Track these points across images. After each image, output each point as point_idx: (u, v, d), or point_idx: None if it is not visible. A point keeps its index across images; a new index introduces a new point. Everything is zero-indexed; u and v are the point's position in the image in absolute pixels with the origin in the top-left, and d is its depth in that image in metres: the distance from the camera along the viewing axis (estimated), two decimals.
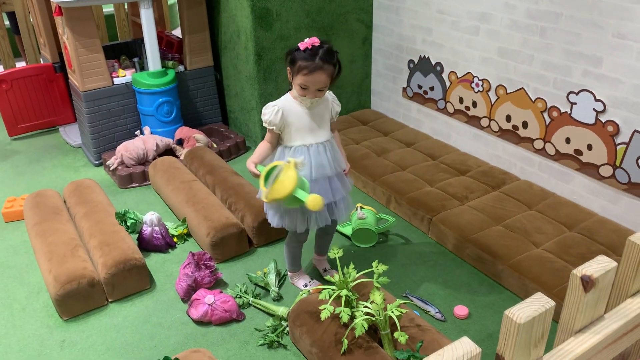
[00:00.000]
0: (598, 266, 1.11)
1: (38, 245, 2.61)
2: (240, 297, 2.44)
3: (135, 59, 3.72)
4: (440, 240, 2.80)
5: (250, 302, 2.43)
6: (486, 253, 2.55)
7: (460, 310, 2.34)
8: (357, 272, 2.03)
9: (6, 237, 2.97)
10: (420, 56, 3.59)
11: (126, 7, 5.11)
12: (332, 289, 2.01)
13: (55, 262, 2.44)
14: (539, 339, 1.06)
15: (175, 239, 2.85)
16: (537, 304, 1.03)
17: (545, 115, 2.90)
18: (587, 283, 1.09)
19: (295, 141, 2.15)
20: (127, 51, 4.26)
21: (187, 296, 2.44)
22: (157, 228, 2.76)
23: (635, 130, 2.51)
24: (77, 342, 2.27)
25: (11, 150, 3.96)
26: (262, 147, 2.20)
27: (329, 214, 2.23)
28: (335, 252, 2.06)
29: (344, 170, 2.28)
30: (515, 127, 3.09)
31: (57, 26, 3.52)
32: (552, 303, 1.03)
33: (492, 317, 2.33)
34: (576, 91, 2.71)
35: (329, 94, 2.22)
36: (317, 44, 2.02)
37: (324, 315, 1.92)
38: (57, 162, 3.78)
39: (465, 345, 0.94)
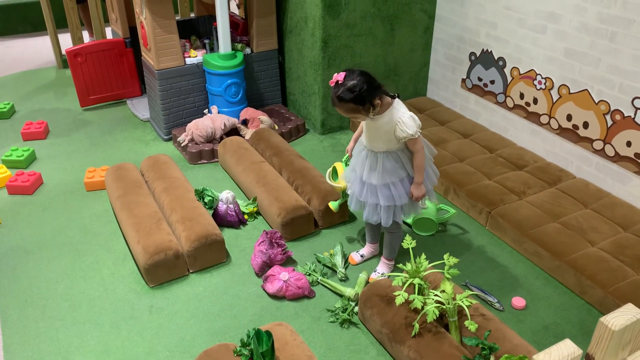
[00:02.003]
0: None
1: (124, 217, 2.84)
2: (310, 275, 2.63)
3: (206, 40, 3.87)
4: (498, 233, 2.93)
5: (319, 280, 2.62)
6: (543, 248, 2.68)
7: (518, 301, 2.49)
8: (429, 262, 2.20)
9: (89, 205, 3.20)
10: (483, 49, 3.67)
11: None
12: (405, 277, 2.18)
13: (142, 233, 2.66)
14: (627, 343, 1.21)
15: (246, 216, 3.05)
16: (629, 314, 1.17)
17: (608, 117, 2.97)
18: None
19: (362, 138, 2.42)
20: (190, 29, 4.41)
21: (262, 271, 2.65)
22: (231, 206, 2.96)
23: None
24: (164, 307, 2.49)
25: (84, 121, 4.19)
26: (357, 132, 2.52)
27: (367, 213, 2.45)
28: (408, 243, 2.22)
29: (411, 194, 2.37)
30: (575, 127, 3.18)
31: (134, 5, 3.68)
32: None
33: (547, 310, 2.47)
34: None
35: (398, 119, 2.21)
36: (339, 81, 2.15)
37: (399, 300, 2.09)
38: (128, 134, 4.00)
39: (569, 347, 1.10)
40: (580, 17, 2.97)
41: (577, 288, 2.55)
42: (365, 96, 2.14)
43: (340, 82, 2.17)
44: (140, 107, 4.31)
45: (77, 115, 4.28)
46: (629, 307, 1.21)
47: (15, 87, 4.78)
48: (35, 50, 5.59)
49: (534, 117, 3.43)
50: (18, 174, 3.33)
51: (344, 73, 2.18)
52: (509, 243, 2.87)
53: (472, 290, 2.56)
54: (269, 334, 1.98)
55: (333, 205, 2.85)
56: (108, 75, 4.28)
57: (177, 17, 4.66)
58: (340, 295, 2.54)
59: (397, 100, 2.28)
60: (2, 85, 4.82)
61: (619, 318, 1.17)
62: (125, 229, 2.79)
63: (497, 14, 3.48)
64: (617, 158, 2.98)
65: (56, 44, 5.06)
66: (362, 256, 2.76)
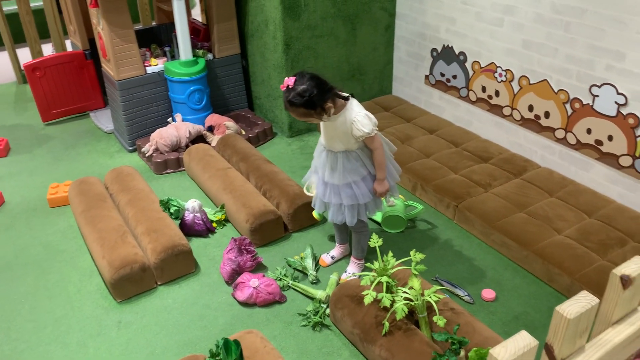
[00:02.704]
0: (635, 266, 1.26)
1: (88, 232, 2.78)
2: (281, 280, 2.61)
3: (167, 48, 3.83)
4: (466, 226, 2.95)
5: (290, 285, 2.60)
6: (511, 239, 2.71)
7: (488, 293, 2.51)
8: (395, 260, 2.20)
9: (53, 222, 3.13)
10: (444, 45, 3.69)
11: None
12: (373, 276, 2.17)
13: (107, 248, 2.61)
14: (583, 331, 1.21)
15: (214, 224, 3.01)
16: (584, 301, 1.18)
17: (568, 106, 3.02)
18: (626, 281, 1.24)
19: (321, 139, 2.42)
20: (152, 37, 4.35)
21: (232, 279, 2.62)
22: (198, 214, 2.92)
23: None
24: (132, 322, 2.45)
25: (46, 136, 4.10)
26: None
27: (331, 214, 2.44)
28: (375, 241, 2.22)
29: (375, 190, 2.36)
30: (537, 117, 3.22)
31: (91, 17, 3.62)
32: (597, 300, 1.18)
33: (517, 300, 2.49)
34: (599, 84, 2.82)
35: (353, 119, 2.20)
36: (290, 85, 2.13)
37: (367, 300, 2.08)
38: (92, 147, 3.93)
39: (525, 338, 1.10)
40: (535, 9, 3.01)
41: (546, 276, 2.58)
42: (315, 101, 2.12)
43: (290, 86, 2.14)
44: (103, 119, 4.24)
45: (39, 130, 4.19)
46: (584, 294, 1.21)
47: None
48: None
49: (496, 110, 3.46)
50: None
51: (294, 77, 2.16)
52: (478, 235, 2.89)
53: (442, 285, 2.57)
54: (237, 343, 1.95)
55: (315, 214, 2.89)
56: (69, 88, 4.20)
57: (139, 26, 4.60)
58: (312, 298, 2.53)
59: (351, 100, 2.26)
60: None
61: (574, 306, 1.18)
62: (90, 244, 2.74)
63: (455, 8, 3.50)
64: (579, 145, 3.03)
65: (14, 59, 4.94)
66: (332, 257, 2.75)
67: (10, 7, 5.41)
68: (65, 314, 2.50)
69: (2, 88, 4.98)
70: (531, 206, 2.92)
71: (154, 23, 4.67)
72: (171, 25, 4.16)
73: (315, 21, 3.66)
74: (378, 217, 2.98)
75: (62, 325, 2.44)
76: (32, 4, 4.87)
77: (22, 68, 4.58)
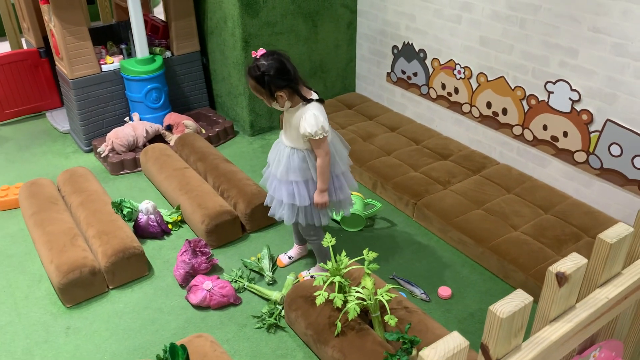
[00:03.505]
0: (571, 263, 1.25)
1: (37, 235, 2.69)
2: (236, 281, 2.57)
3: (123, 46, 3.74)
4: (424, 223, 2.94)
5: (245, 286, 2.55)
6: (468, 236, 2.70)
7: (444, 290, 2.50)
8: (348, 258, 2.17)
9: (3, 225, 3.03)
10: (404, 42, 3.68)
11: None
12: (326, 276, 2.14)
13: (55, 251, 2.53)
14: (518, 329, 1.20)
15: (170, 226, 2.95)
16: (517, 300, 1.16)
17: (524, 102, 3.03)
18: (561, 279, 1.23)
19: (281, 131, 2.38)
20: (111, 35, 4.25)
21: (186, 282, 2.56)
22: (152, 216, 2.86)
23: (608, 119, 2.66)
24: (81, 328, 2.37)
25: (0, 137, 3.98)
26: None
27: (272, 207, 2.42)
28: (328, 241, 2.19)
29: (317, 197, 2.28)
30: (495, 114, 3.23)
31: (43, 13, 3.51)
32: (531, 299, 1.17)
33: (473, 297, 2.49)
34: (553, 81, 2.84)
35: (305, 114, 2.16)
36: (256, 56, 2.14)
37: (319, 300, 2.05)
38: (47, 148, 3.82)
39: (455, 339, 1.08)
40: (491, 5, 3.02)
41: (501, 273, 2.58)
42: (266, 80, 2.10)
43: (256, 57, 2.14)
44: (60, 118, 4.13)
45: None
46: (518, 292, 1.20)
47: None
48: None
49: (456, 107, 3.47)
50: None
51: (264, 51, 2.14)
52: (436, 233, 2.89)
53: (398, 283, 2.56)
54: (183, 347, 1.91)
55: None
56: (23, 87, 4.07)
57: (99, 24, 4.48)
58: (268, 300, 2.49)
59: (315, 103, 2.19)
60: None
61: (507, 305, 1.16)
62: (39, 247, 2.65)
63: (415, 5, 3.49)
64: (536, 142, 3.04)
65: None
66: (289, 257, 2.72)
67: None
68: (11, 321, 2.41)
69: None
70: (489, 203, 2.93)
71: (113, 21, 4.56)
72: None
73: (274, 18, 3.61)
74: (337, 216, 2.95)
75: (7, 332, 2.36)
76: None
77: None
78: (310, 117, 2.14)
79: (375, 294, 2.11)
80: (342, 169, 2.35)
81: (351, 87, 4.28)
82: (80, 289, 2.46)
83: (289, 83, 2.14)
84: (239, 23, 3.50)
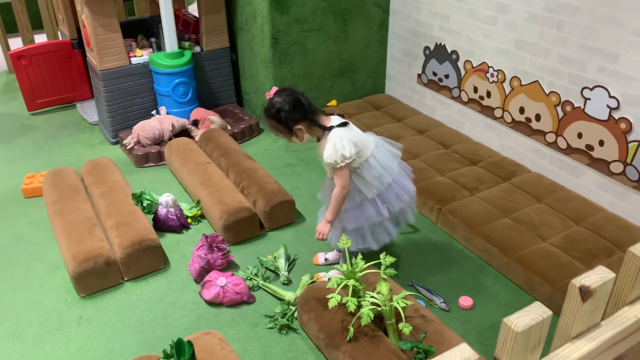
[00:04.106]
0: (596, 277, 1.15)
1: (56, 223, 2.70)
2: (251, 279, 2.52)
3: (153, 39, 3.75)
4: (449, 230, 2.84)
5: (259, 285, 2.50)
6: (493, 245, 2.59)
7: (465, 300, 2.40)
8: (365, 262, 2.09)
9: (26, 212, 3.06)
10: (437, 43, 3.58)
11: None
12: (340, 278, 2.07)
13: (73, 240, 2.53)
14: (535, 345, 1.11)
15: (189, 220, 2.92)
16: (534, 313, 1.07)
17: (559, 109, 2.90)
18: (585, 293, 1.13)
19: None
20: (144, 29, 4.28)
21: (200, 277, 2.52)
22: (172, 209, 2.84)
23: None
24: (94, 318, 2.36)
25: (30, 126, 4.04)
26: None
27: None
28: (344, 243, 2.12)
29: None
30: (528, 119, 3.10)
31: (75, 4, 3.55)
32: (550, 313, 1.08)
33: (495, 309, 2.38)
34: (590, 87, 2.70)
35: (327, 144, 2.18)
36: (270, 96, 2.19)
37: (332, 304, 1.98)
38: (75, 138, 3.85)
39: (464, 352, 0.99)
40: (528, 7, 2.90)
41: (526, 285, 2.46)
42: (282, 117, 2.14)
43: (269, 97, 2.20)
44: (90, 110, 4.17)
45: (23, 120, 4.12)
46: (536, 305, 1.11)
47: None
48: None
49: (488, 111, 3.35)
50: None
51: (276, 89, 2.20)
52: (460, 241, 2.78)
53: (418, 291, 2.47)
54: (190, 344, 1.86)
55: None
56: (56, 78, 4.13)
57: (134, 17, 4.53)
58: (282, 300, 2.43)
59: (336, 130, 2.18)
60: None
61: (523, 318, 1.07)
62: (58, 236, 2.66)
63: (449, 5, 3.40)
64: (570, 150, 2.91)
65: (6, 48, 4.89)
66: (326, 259, 2.66)
67: None
68: (26, 308, 2.42)
69: None
70: (517, 212, 2.81)
71: (147, 15, 4.60)
72: None
73: (304, 15, 3.57)
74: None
75: (21, 319, 2.36)
76: None
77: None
78: (330, 147, 2.16)
79: (391, 300, 2.02)
80: (389, 179, 2.30)
81: (381, 88, 4.20)
82: (94, 278, 2.45)
83: (305, 115, 2.17)
84: (268, 19, 3.47)
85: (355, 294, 2.05)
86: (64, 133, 3.92)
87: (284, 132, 2.21)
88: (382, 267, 2.06)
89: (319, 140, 2.25)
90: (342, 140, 2.15)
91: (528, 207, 2.84)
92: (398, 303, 1.98)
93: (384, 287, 2.02)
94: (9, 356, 2.18)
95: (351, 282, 2.04)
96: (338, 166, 2.17)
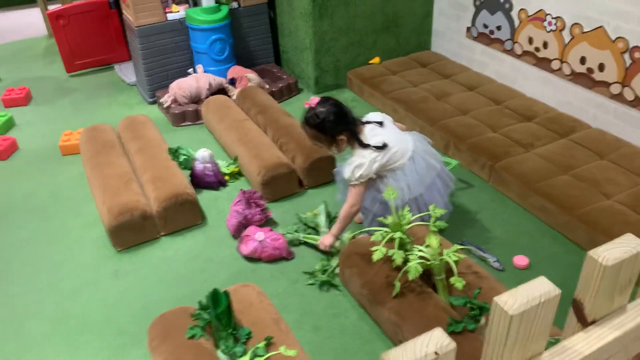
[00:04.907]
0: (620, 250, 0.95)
1: (93, 178, 2.64)
2: (292, 234, 2.40)
3: None
4: (501, 188, 2.65)
5: (300, 238, 2.38)
6: (551, 203, 2.39)
7: (521, 260, 2.22)
8: (412, 214, 1.94)
9: (63, 169, 3.02)
10: None
11: None
12: (386, 231, 1.92)
13: (109, 194, 2.46)
14: (625, 285, 0.94)
15: (226, 177, 2.82)
16: (627, 246, 0.91)
17: (626, 56, 2.64)
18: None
19: None
20: None
21: (238, 233, 2.42)
22: (209, 165, 2.74)
23: None
24: (130, 272, 2.30)
25: (69, 87, 4.01)
26: None
27: None
28: (390, 194, 1.96)
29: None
30: (590, 70, 2.85)
31: None
32: None
33: (554, 270, 2.19)
34: None
35: (352, 158, 2.14)
36: (312, 106, 2.12)
37: (377, 256, 1.84)
38: (113, 99, 3.80)
39: (543, 285, 0.84)
40: None
41: (589, 245, 2.24)
42: (327, 127, 2.09)
43: (311, 106, 2.13)
44: (127, 71, 4.11)
45: (62, 82, 4.10)
46: (629, 237, 0.94)
47: (2, 57, 4.63)
48: (28, 21, 5.42)
49: (544, 64, 3.10)
50: None
51: (319, 99, 2.14)
52: (514, 199, 2.58)
53: (468, 250, 2.29)
54: (226, 294, 1.76)
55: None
56: (93, 39, 4.08)
57: None
58: (323, 252, 2.30)
59: (369, 151, 2.09)
60: None
61: (614, 250, 0.91)
62: (94, 190, 2.60)
63: None
64: (637, 102, 2.65)
65: (45, 11, 4.87)
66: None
67: None
68: (63, 261, 2.37)
69: (32, 41, 4.93)
70: (577, 168, 2.58)
71: None
72: None
73: None
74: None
75: (58, 271, 2.32)
76: None
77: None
78: (352, 164, 2.11)
79: (441, 254, 1.87)
80: (411, 196, 2.17)
81: (426, 45, 3.97)
82: (131, 232, 2.38)
83: (348, 126, 2.11)
84: None
85: (402, 247, 1.91)
86: (102, 94, 3.88)
87: (326, 142, 2.15)
88: (432, 219, 1.90)
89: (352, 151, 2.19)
90: (363, 159, 2.09)
91: (590, 164, 2.61)
92: (449, 256, 1.82)
93: (433, 240, 1.87)
94: (46, 307, 2.14)
95: (397, 234, 1.90)
96: (352, 183, 2.13)
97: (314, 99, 2.14)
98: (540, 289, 0.83)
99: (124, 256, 2.38)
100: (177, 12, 3.51)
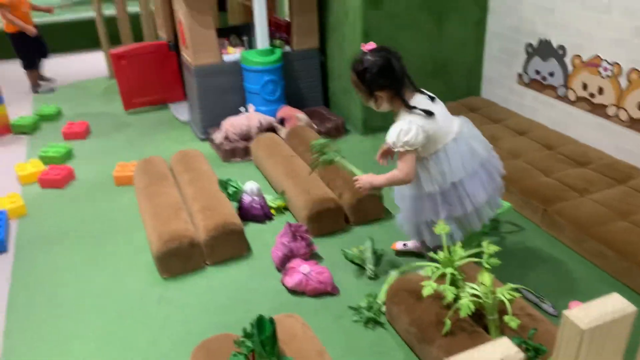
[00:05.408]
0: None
1: (145, 206, 2.70)
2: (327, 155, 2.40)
3: (245, 38, 3.78)
4: (554, 232, 2.56)
5: (337, 159, 2.39)
6: (609, 248, 2.29)
7: (577, 305, 2.11)
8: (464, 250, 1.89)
9: (117, 198, 3.11)
10: (541, 39, 3.33)
11: None
12: (436, 267, 1.87)
13: (159, 221, 2.51)
14: None
15: (273, 212, 2.83)
16: None
17: None
18: None
19: None
20: (237, 33, 4.34)
21: (283, 265, 2.41)
22: (256, 198, 2.76)
23: None
24: (174, 299, 2.30)
25: (125, 123, 4.18)
26: None
27: None
28: (441, 228, 1.92)
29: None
30: None
31: (173, 3, 3.65)
32: None
33: None
34: None
35: (397, 122, 2.00)
36: (365, 50, 2.01)
37: (427, 291, 1.78)
38: (166, 135, 3.93)
39: (617, 301, 0.79)
40: None
41: None
42: (367, 78, 1.97)
43: (365, 50, 2.01)
44: (181, 110, 4.26)
45: (119, 118, 4.28)
46: None
47: (66, 94, 4.90)
48: (91, 63, 5.73)
49: (599, 110, 3.04)
50: (51, 168, 3.30)
51: (375, 46, 2.01)
52: (568, 244, 2.49)
53: (521, 294, 2.20)
54: (272, 321, 1.73)
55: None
56: (152, 78, 4.26)
57: (227, 26, 4.62)
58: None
59: (416, 114, 1.97)
60: (56, 94, 4.95)
61: None
62: (145, 218, 2.65)
63: None
64: None
65: (108, 57, 5.15)
66: (404, 245, 2.48)
67: (109, 11, 5.68)
68: (110, 285, 2.40)
69: (95, 82, 5.21)
70: (636, 215, 2.48)
71: (240, 23, 4.68)
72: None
73: (397, 10, 3.45)
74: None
75: (105, 296, 2.35)
76: (129, 9, 5.09)
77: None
78: (396, 127, 1.97)
79: (494, 292, 1.80)
80: (455, 178, 2.04)
81: (476, 91, 3.97)
82: (178, 260, 2.40)
83: (390, 84, 1.98)
84: (361, 15, 3.38)
85: (453, 284, 1.85)
86: (156, 130, 4.02)
87: (364, 93, 2.03)
88: (485, 256, 1.84)
89: (395, 115, 2.05)
90: (410, 125, 1.95)
91: None
92: (503, 295, 1.75)
93: (486, 278, 1.80)
94: (91, 329, 2.15)
95: (449, 270, 1.84)
96: (398, 149, 1.99)
97: (370, 44, 2.01)
98: (614, 305, 0.78)
99: (169, 283, 2.40)
100: (232, 54, 3.65)
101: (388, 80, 1.97)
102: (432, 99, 2.08)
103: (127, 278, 2.45)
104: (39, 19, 5.28)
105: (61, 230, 2.83)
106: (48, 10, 5.16)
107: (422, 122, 1.96)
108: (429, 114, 1.98)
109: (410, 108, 1.98)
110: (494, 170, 2.16)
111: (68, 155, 3.61)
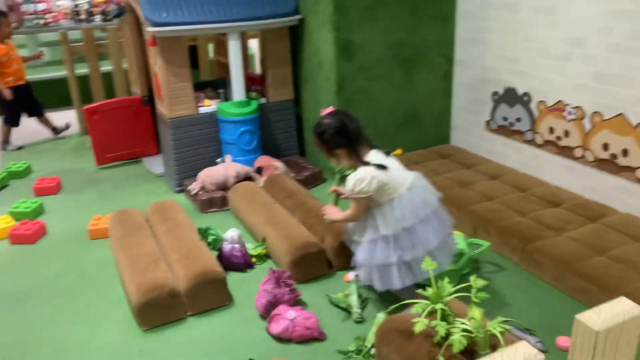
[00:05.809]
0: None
1: (121, 258, 2.63)
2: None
3: (221, 91, 3.83)
4: (535, 271, 2.59)
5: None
6: (591, 283, 2.32)
7: (565, 341, 2.12)
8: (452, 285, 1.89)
9: (91, 252, 3.02)
10: (506, 87, 3.49)
11: (211, 50, 5.36)
12: (426, 303, 1.86)
13: (137, 272, 2.44)
14: None
15: (254, 260, 2.79)
16: None
17: None
18: None
19: None
20: (213, 87, 4.40)
21: (267, 312, 2.35)
22: (237, 246, 2.73)
23: None
24: (155, 352, 2.21)
25: (98, 178, 4.12)
26: None
27: None
28: (428, 264, 1.93)
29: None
30: (613, 156, 2.89)
31: (149, 57, 3.70)
32: None
33: None
34: None
35: (353, 175, 2.21)
36: (322, 114, 2.31)
37: (419, 328, 1.76)
38: (140, 188, 3.88)
39: (624, 304, 0.80)
40: (608, 38, 2.79)
41: None
42: (325, 138, 2.22)
43: (322, 115, 2.30)
44: (155, 163, 4.23)
45: (92, 173, 4.22)
46: None
47: (36, 151, 4.82)
48: (62, 121, 5.67)
49: (566, 152, 3.16)
50: (21, 223, 3.21)
51: (331, 110, 2.31)
52: (548, 280, 2.52)
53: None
54: None
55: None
56: (125, 133, 4.25)
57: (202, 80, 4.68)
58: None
59: (371, 167, 2.17)
60: (26, 151, 4.87)
61: None
62: (122, 269, 2.57)
63: (518, 47, 3.33)
64: None
65: (80, 114, 5.13)
66: (356, 276, 2.47)
67: (81, 70, 5.69)
68: (86, 341, 2.30)
69: (66, 140, 5.15)
70: (613, 250, 2.54)
71: (214, 78, 4.76)
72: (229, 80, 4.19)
73: (369, 63, 3.58)
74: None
75: (82, 351, 2.24)
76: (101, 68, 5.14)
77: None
78: (354, 177, 2.18)
79: (484, 327, 1.79)
80: (407, 224, 2.20)
81: (444, 139, 4.09)
82: (158, 311, 2.32)
83: (346, 143, 2.21)
84: (334, 67, 3.49)
85: (444, 319, 1.83)
86: (130, 183, 3.97)
87: (325, 151, 2.28)
88: (473, 290, 1.84)
89: (354, 168, 2.25)
90: (365, 174, 2.16)
91: (625, 246, 2.57)
92: (495, 328, 1.74)
93: (476, 312, 1.80)
94: None
95: (439, 306, 1.83)
96: (354, 196, 2.19)
97: (329, 109, 2.27)
98: (622, 307, 0.79)
99: (149, 336, 2.31)
100: (208, 106, 3.69)
101: (344, 139, 2.21)
102: (387, 153, 2.31)
103: (105, 332, 2.34)
104: (30, 75, 5.21)
105: (32, 286, 2.72)
106: (38, 56, 5.17)
107: (376, 173, 2.16)
108: (382, 167, 2.18)
109: (365, 164, 2.20)
110: (445, 219, 2.34)
111: (39, 211, 3.52)
